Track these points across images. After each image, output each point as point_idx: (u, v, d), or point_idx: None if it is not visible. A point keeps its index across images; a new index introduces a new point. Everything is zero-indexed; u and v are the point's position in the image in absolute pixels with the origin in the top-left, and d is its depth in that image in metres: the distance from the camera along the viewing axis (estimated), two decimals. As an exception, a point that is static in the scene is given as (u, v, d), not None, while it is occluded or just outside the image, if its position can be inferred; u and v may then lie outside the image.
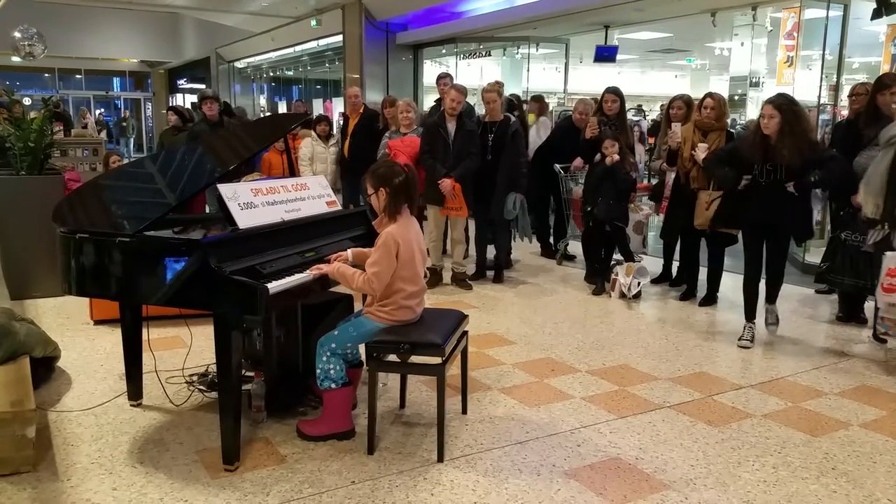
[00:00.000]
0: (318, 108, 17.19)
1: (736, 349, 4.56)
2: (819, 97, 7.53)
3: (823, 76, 7.64)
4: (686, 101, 5.87)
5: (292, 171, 4.27)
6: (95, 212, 3.27)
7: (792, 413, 3.58)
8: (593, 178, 5.88)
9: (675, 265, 6.14)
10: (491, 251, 6.32)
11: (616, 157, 5.65)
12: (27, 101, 15.66)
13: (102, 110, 25.00)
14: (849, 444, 3.23)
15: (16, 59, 12.84)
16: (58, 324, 4.79)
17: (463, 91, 5.79)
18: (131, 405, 3.50)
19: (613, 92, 6.31)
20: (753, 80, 12.00)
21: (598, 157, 5.91)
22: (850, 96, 5.68)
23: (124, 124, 22.52)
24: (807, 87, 8.81)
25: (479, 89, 7.02)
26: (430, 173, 5.67)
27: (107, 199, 3.33)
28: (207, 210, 6.48)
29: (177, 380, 3.76)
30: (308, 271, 3.02)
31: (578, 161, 6.41)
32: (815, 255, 6.83)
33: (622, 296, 5.70)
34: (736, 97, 12.23)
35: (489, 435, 3.26)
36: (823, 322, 5.21)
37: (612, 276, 5.83)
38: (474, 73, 15.01)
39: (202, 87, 22.85)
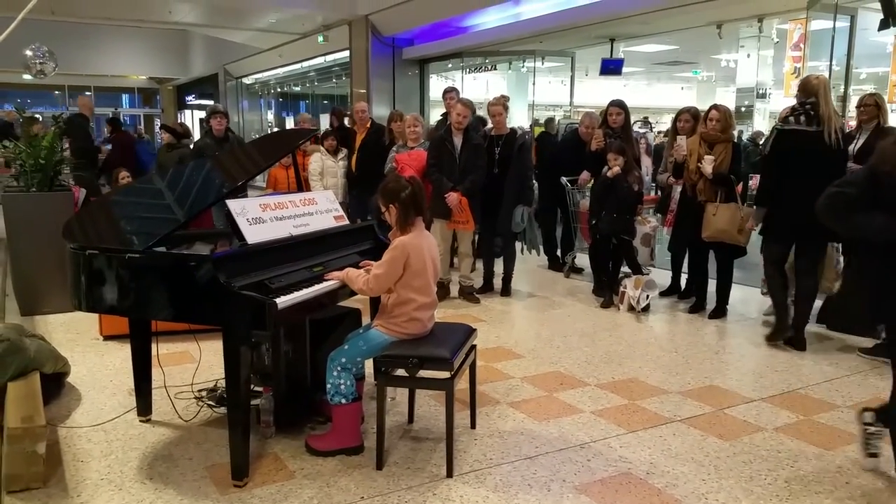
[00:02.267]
0: (325, 123, 17.27)
1: (746, 361, 4.53)
2: (826, 108, 7.51)
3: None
4: (693, 113, 5.87)
5: (300, 186, 4.29)
6: (105, 228, 3.29)
7: (804, 426, 3.55)
8: (598, 190, 5.88)
9: (685, 277, 6.13)
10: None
11: (617, 169, 5.64)
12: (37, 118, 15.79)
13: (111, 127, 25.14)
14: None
15: (27, 76, 12.98)
16: (68, 339, 4.80)
17: (469, 105, 5.82)
18: (140, 421, 3.50)
19: (618, 105, 6.33)
20: (760, 91, 12.00)
21: (605, 169, 5.92)
22: (857, 107, 5.66)
23: (144, 138, 22.52)
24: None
25: (485, 103, 7.05)
26: (436, 187, 5.68)
27: (116, 215, 3.35)
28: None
29: (186, 395, 3.76)
30: (324, 281, 3.09)
31: (585, 174, 6.42)
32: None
33: (631, 309, 5.68)
34: (743, 109, 12.22)
35: (498, 450, 3.24)
36: (834, 333, 5.16)
37: (621, 288, 5.81)
38: (480, 87, 15.08)
39: (210, 102, 23.01)
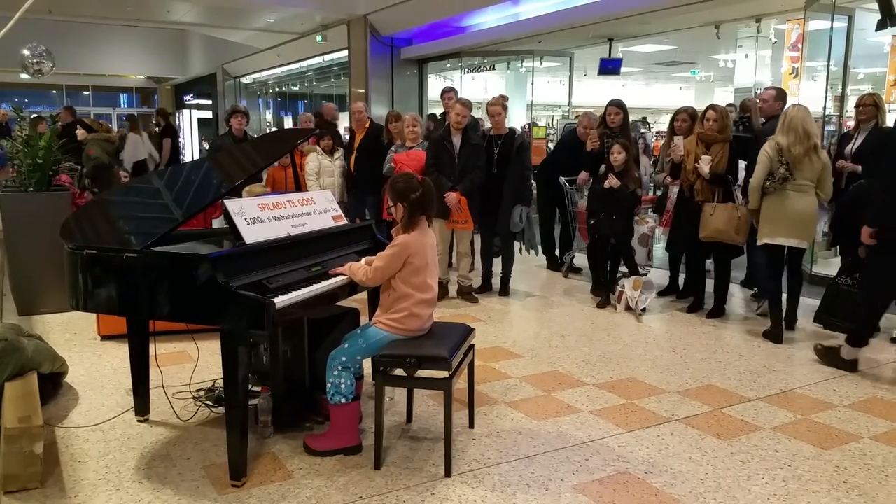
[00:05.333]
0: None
1: (744, 361, 4.53)
2: (824, 108, 7.52)
3: (829, 87, 7.63)
4: (690, 113, 5.88)
5: (298, 186, 4.28)
6: (103, 228, 3.28)
7: (801, 426, 3.55)
8: (596, 191, 5.87)
9: (682, 277, 6.13)
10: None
11: (615, 182, 5.63)
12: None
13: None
14: (860, 457, 3.21)
15: (24, 76, 12.95)
16: (65, 339, 4.80)
17: (468, 105, 5.82)
18: (138, 421, 3.49)
19: (616, 105, 6.33)
20: (758, 91, 11.99)
21: (602, 168, 5.92)
22: (856, 107, 5.68)
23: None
24: (812, 99, 8.80)
25: (483, 103, 7.05)
26: (435, 187, 5.67)
27: (114, 214, 3.35)
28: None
29: (184, 395, 3.76)
30: (322, 281, 3.10)
31: (584, 175, 6.41)
32: (822, 266, 6.81)
33: (628, 308, 5.68)
34: (741, 109, 12.19)
35: (497, 449, 3.24)
36: (830, 333, 5.17)
37: (619, 288, 5.81)
38: (479, 87, 15.07)
39: (208, 102, 22.99)
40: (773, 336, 4.92)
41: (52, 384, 3.82)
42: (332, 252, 3.49)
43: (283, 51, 16.65)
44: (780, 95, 5.68)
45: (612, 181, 5.63)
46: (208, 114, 23.20)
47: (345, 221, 3.78)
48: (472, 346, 3.31)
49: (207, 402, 3.64)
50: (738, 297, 6.15)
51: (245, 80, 21.25)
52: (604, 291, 5.95)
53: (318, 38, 14.56)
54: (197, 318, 2.88)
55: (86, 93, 24.45)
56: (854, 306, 4.82)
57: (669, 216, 5.92)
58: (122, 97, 26.36)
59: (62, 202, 5.46)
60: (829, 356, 4.45)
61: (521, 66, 13.81)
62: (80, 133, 7.76)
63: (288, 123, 20.81)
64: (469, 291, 6.06)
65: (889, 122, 5.70)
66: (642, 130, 9.81)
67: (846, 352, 4.38)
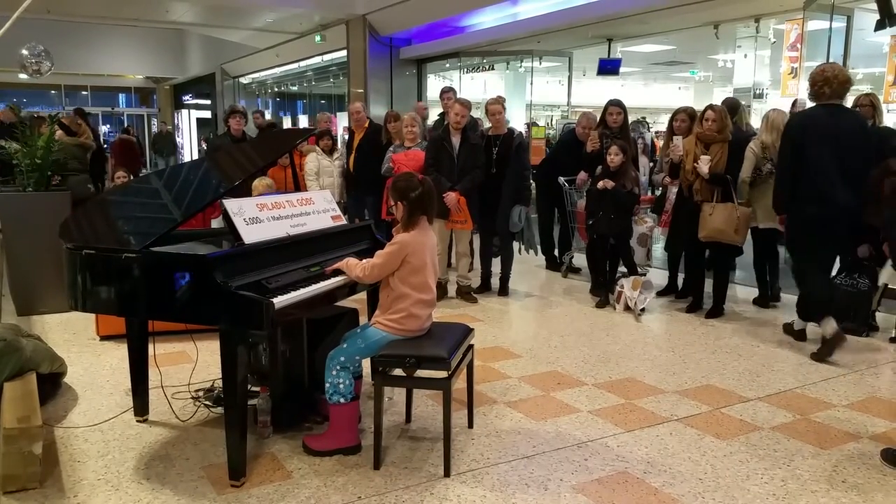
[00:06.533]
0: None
1: (743, 361, 4.54)
2: (823, 108, 7.52)
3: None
4: (689, 113, 5.88)
5: (297, 187, 4.28)
6: (102, 228, 3.28)
7: (800, 425, 3.56)
8: (593, 192, 5.87)
9: (682, 277, 6.13)
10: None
11: (609, 184, 5.63)
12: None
13: (108, 126, 25.11)
14: (858, 457, 3.21)
15: (23, 76, 12.95)
16: (64, 340, 4.80)
17: (467, 105, 5.82)
18: (137, 421, 3.49)
19: (617, 104, 6.33)
20: (757, 91, 11.99)
21: (599, 169, 5.92)
22: (853, 107, 5.67)
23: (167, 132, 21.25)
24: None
25: (482, 103, 7.06)
26: (434, 187, 5.67)
27: (112, 214, 3.35)
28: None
29: (183, 395, 3.75)
30: (321, 281, 3.09)
31: (583, 175, 6.41)
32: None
33: (627, 308, 5.68)
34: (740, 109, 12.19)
35: (496, 449, 3.24)
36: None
37: (618, 288, 5.81)
38: (478, 87, 15.09)
39: (207, 102, 22.97)
40: (762, 301, 5.81)
41: (51, 384, 3.82)
42: (331, 252, 3.48)
43: (281, 51, 16.66)
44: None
45: (606, 183, 5.64)
46: (207, 114, 23.20)
47: (343, 221, 3.78)
48: (471, 346, 3.31)
49: (206, 403, 3.64)
50: (737, 296, 6.15)
51: (244, 80, 21.26)
52: (603, 291, 5.95)
53: (317, 38, 14.57)
54: (196, 319, 2.87)
55: (84, 93, 24.45)
56: (848, 304, 4.98)
57: (668, 216, 5.93)
58: (121, 97, 26.36)
59: (61, 202, 5.46)
60: (820, 352, 4.54)
61: (520, 66, 13.82)
62: (59, 135, 7.71)
63: (287, 123, 20.82)
64: (468, 291, 6.06)
65: (886, 123, 5.70)
66: (642, 131, 9.80)
67: (826, 329, 4.52)
